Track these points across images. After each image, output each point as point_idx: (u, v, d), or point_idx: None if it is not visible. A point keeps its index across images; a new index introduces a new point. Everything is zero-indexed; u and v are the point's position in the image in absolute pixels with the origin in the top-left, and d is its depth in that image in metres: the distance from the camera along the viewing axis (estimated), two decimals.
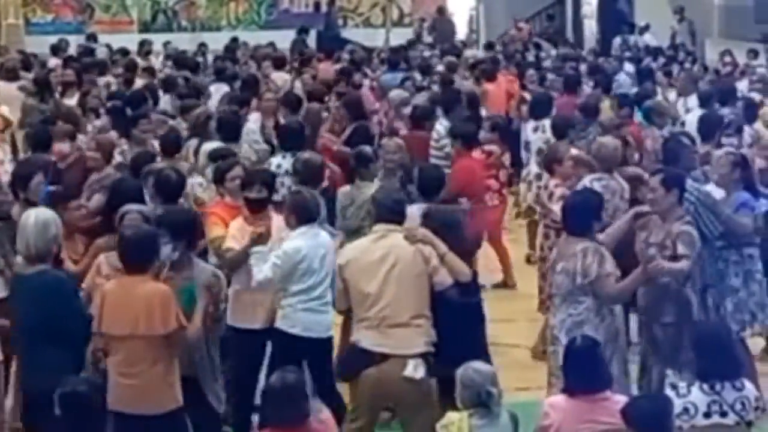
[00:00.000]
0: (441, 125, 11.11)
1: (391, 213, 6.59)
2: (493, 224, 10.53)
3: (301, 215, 6.87)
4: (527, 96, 13.69)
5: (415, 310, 6.36)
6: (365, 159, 8.55)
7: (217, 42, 21.50)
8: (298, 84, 14.75)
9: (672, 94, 13.78)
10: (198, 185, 8.48)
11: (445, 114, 11.48)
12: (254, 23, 25.27)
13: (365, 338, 6.37)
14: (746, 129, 10.83)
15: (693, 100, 12.46)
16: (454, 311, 6.50)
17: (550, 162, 9.04)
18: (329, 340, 7.04)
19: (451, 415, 5.57)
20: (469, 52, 19.60)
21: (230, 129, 9.82)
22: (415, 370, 6.25)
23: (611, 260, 6.70)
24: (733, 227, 7.57)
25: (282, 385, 5.33)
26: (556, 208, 8.55)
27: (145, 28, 24.75)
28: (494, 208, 10.67)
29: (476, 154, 10.30)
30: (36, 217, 6.29)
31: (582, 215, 6.83)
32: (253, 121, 11.20)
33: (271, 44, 20.25)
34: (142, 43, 19.88)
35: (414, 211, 7.18)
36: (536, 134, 11.52)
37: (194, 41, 22.21)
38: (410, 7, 26.05)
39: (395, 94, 12.72)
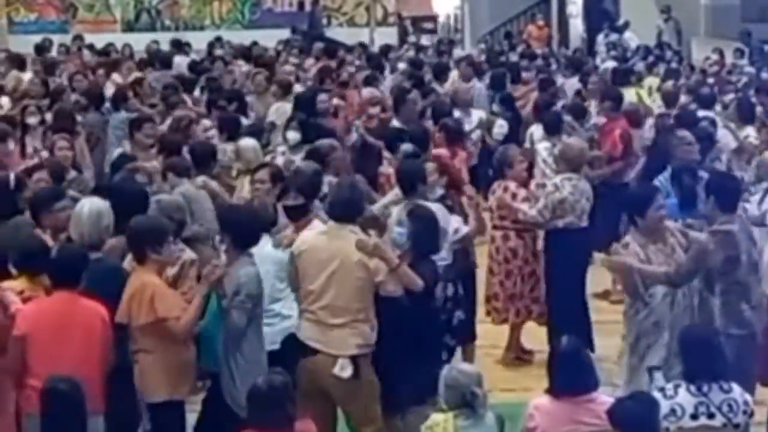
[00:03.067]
0: None
1: (342, 211, 6.58)
2: None
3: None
4: None
5: (352, 314, 6.51)
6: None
7: (200, 41, 21.39)
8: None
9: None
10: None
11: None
12: (238, 22, 25.18)
13: (303, 330, 6.55)
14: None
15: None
16: (402, 317, 6.62)
17: (502, 165, 8.94)
18: (275, 353, 6.80)
19: (436, 417, 5.56)
20: (456, 52, 19.63)
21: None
22: (342, 369, 6.47)
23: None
24: None
25: (268, 387, 5.29)
26: (525, 207, 8.53)
27: (128, 27, 24.63)
28: None
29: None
30: (90, 207, 6.47)
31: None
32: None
33: (255, 43, 20.18)
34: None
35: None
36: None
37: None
38: (394, 6, 25.99)
39: (366, 92, 12.69)
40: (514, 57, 18.67)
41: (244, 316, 6.26)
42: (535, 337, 8.91)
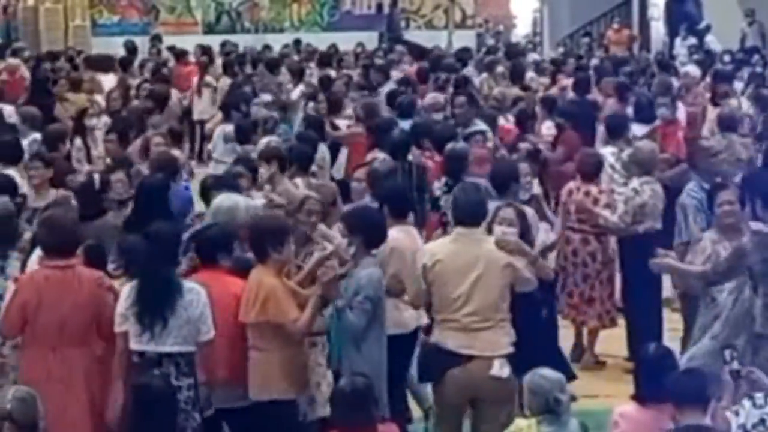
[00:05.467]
0: None
1: (472, 215, 6.52)
2: None
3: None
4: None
5: (500, 312, 6.43)
6: None
7: (280, 43, 21.59)
8: None
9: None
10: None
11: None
12: (317, 24, 25.32)
13: (450, 339, 6.40)
14: None
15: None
16: (537, 309, 6.91)
17: (594, 167, 8.84)
18: None
19: (520, 422, 5.52)
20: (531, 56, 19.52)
21: None
22: (501, 369, 6.38)
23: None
24: None
25: (351, 390, 5.33)
26: (607, 213, 8.45)
27: (209, 29, 24.90)
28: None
29: None
30: (225, 202, 6.74)
31: None
32: None
33: (333, 46, 20.28)
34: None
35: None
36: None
37: (258, 42, 22.32)
38: (473, 8, 25.93)
39: (430, 98, 12.66)
40: (594, 60, 18.49)
41: (363, 318, 6.23)
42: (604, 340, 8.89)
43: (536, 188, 8.71)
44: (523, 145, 9.57)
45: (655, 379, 5.51)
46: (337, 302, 6.24)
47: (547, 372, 5.63)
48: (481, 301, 6.36)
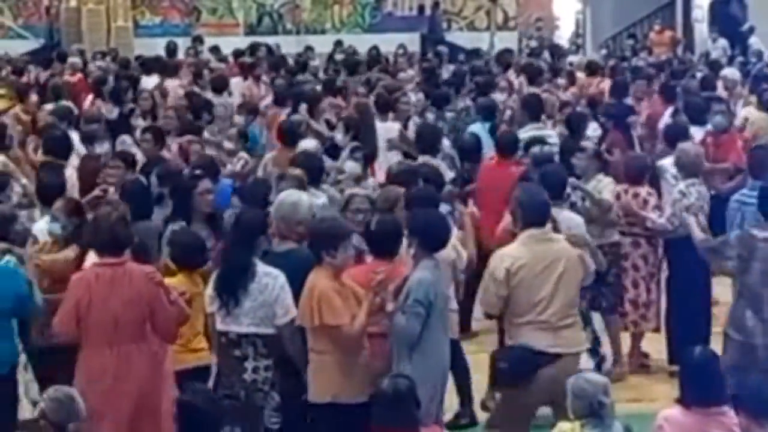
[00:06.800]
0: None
1: (539, 216, 6.61)
2: None
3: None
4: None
5: (575, 310, 6.63)
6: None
7: (321, 45, 21.60)
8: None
9: None
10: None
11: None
12: (358, 26, 25.32)
13: (538, 340, 6.47)
14: None
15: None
16: None
17: (640, 170, 8.80)
18: None
19: (563, 426, 5.50)
20: (572, 58, 19.40)
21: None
22: (588, 363, 6.70)
23: None
24: None
25: (393, 391, 5.34)
26: (654, 215, 8.38)
27: (250, 30, 24.96)
28: None
29: None
30: (287, 198, 6.79)
31: None
32: None
33: (375, 48, 20.27)
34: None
35: None
36: None
37: (299, 44, 22.35)
38: (515, 10, 25.83)
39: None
40: (640, 62, 18.35)
41: (415, 322, 6.10)
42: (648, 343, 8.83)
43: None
44: (589, 144, 9.44)
45: (701, 383, 5.48)
46: (388, 306, 6.18)
47: (590, 375, 5.64)
48: (563, 299, 6.51)
